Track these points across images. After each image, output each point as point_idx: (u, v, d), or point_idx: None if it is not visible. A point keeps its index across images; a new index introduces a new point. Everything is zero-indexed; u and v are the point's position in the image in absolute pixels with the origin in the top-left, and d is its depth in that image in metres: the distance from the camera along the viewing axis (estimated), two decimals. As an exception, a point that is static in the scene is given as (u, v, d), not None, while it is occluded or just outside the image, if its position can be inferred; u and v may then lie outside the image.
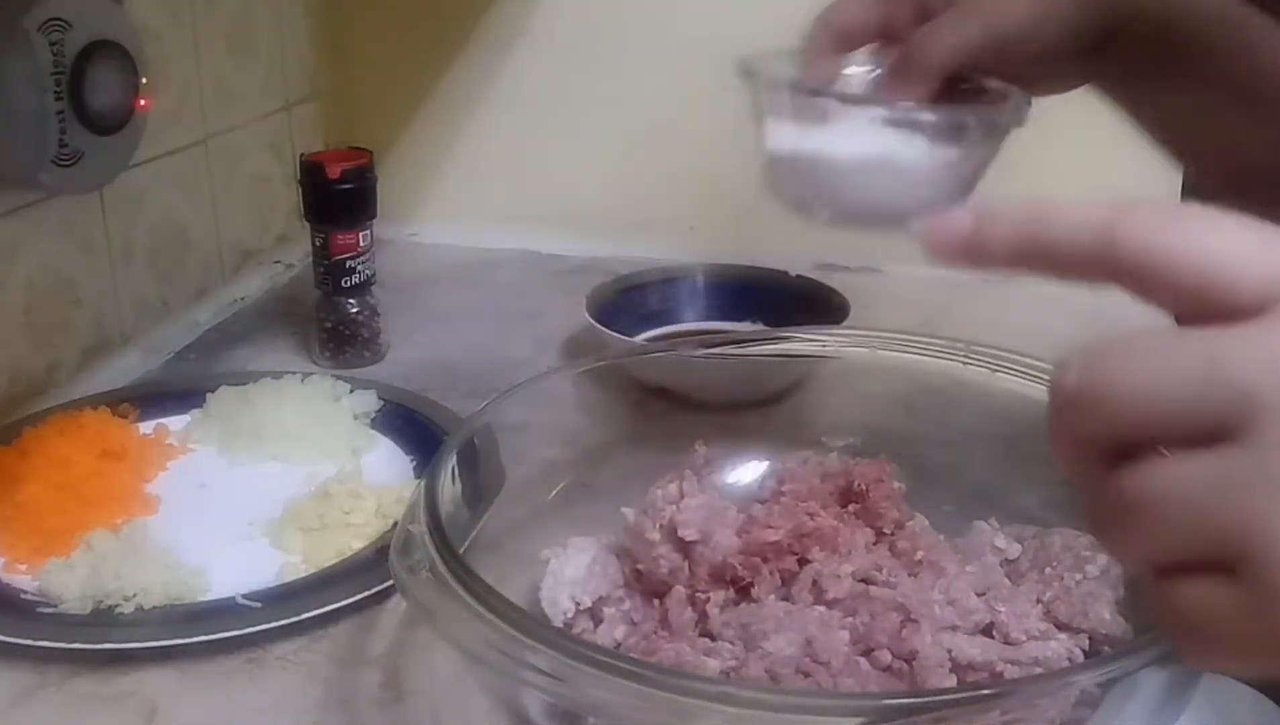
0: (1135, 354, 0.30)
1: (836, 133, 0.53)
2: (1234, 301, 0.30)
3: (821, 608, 0.53)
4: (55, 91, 0.77)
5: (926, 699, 0.40)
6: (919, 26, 0.57)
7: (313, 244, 0.90)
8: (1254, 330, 0.29)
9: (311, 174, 0.88)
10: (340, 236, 0.89)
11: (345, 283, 0.90)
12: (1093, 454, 0.31)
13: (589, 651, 0.41)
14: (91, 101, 0.79)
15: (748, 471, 0.66)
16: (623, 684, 0.39)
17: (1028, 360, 0.61)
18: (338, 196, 0.88)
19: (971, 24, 0.56)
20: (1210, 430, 0.29)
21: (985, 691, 0.39)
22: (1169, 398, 0.30)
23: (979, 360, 0.63)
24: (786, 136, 0.55)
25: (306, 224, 0.91)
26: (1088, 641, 0.52)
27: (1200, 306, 0.31)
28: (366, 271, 0.91)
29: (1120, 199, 0.32)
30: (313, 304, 0.92)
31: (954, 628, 0.52)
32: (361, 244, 0.90)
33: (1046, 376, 0.57)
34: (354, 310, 0.91)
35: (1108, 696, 0.40)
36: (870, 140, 0.53)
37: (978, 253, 0.34)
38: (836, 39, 0.59)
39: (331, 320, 0.91)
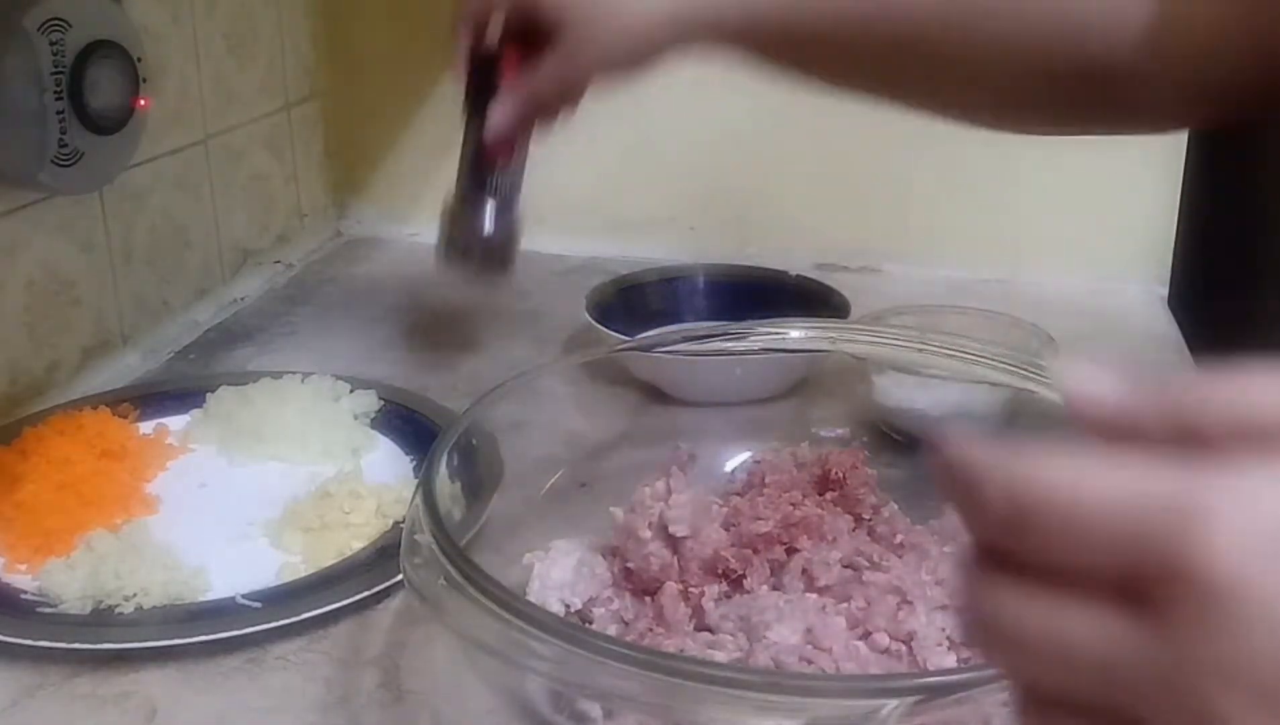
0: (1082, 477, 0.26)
1: None
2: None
3: (814, 595, 0.53)
4: (55, 91, 0.77)
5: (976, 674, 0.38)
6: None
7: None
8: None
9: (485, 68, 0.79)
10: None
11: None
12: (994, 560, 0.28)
13: (618, 647, 0.40)
14: (91, 101, 0.79)
15: (728, 466, 0.66)
16: (663, 679, 0.38)
17: (983, 346, 0.61)
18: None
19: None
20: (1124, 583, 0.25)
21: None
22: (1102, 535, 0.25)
23: (936, 347, 0.63)
24: None
25: (306, 223, 0.90)
26: None
27: None
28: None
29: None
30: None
31: (944, 607, 0.53)
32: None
33: (1001, 363, 0.58)
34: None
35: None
36: None
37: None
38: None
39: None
